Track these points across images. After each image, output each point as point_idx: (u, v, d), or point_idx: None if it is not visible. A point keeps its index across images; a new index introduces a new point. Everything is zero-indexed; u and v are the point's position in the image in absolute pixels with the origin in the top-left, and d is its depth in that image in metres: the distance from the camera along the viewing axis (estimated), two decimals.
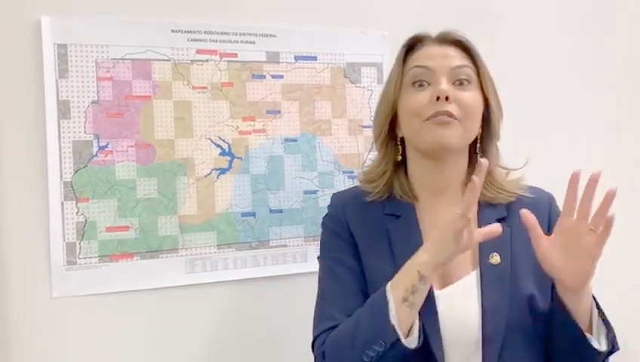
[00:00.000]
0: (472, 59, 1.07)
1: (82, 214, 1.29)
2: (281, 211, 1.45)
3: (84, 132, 1.29)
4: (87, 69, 1.29)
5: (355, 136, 1.51)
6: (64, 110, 1.28)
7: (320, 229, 1.17)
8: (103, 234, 1.30)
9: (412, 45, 1.10)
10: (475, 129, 1.07)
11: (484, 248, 1.03)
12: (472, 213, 1.04)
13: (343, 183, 1.50)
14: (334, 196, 1.18)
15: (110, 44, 1.31)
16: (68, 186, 1.28)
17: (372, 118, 1.51)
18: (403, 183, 1.10)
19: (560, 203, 1.08)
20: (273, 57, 1.44)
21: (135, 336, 1.33)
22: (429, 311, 0.98)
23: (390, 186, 1.11)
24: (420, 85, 1.05)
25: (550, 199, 1.12)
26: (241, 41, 1.41)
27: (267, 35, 1.44)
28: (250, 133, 1.42)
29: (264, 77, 1.44)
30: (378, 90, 1.53)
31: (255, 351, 1.43)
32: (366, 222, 1.10)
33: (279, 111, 1.45)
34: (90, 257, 1.29)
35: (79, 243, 1.28)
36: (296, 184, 1.46)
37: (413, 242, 1.03)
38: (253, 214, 1.42)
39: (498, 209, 1.08)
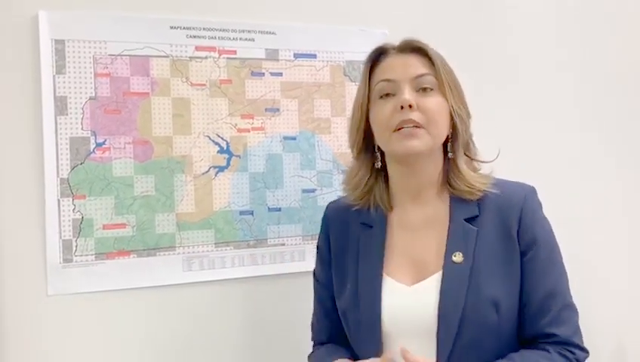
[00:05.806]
0: (433, 65, 1.09)
1: (79, 211, 1.28)
2: (279, 210, 1.44)
3: (82, 128, 1.28)
4: (85, 64, 1.28)
5: None
6: (61, 106, 1.26)
7: (318, 228, 1.21)
8: (100, 232, 1.29)
9: (376, 58, 1.13)
10: (442, 132, 1.08)
11: (450, 247, 1.06)
12: (444, 208, 1.10)
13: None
14: (327, 207, 1.24)
15: (108, 40, 1.30)
16: (64, 183, 1.27)
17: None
18: (382, 190, 1.15)
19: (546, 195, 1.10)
20: (272, 55, 1.44)
21: (131, 335, 1.32)
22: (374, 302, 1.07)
23: (371, 194, 1.15)
24: (387, 96, 1.08)
25: (526, 195, 1.09)
26: (241, 38, 1.40)
27: (266, 32, 1.43)
28: (248, 131, 1.41)
29: (263, 74, 1.43)
30: None
31: (252, 349, 1.42)
32: (344, 233, 1.17)
33: (278, 109, 1.44)
34: (87, 255, 1.28)
35: (75, 240, 1.27)
36: (294, 182, 1.45)
37: (375, 253, 1.10)
38: (252, 212, 1.41)
39: (470, 206, 1.08)
